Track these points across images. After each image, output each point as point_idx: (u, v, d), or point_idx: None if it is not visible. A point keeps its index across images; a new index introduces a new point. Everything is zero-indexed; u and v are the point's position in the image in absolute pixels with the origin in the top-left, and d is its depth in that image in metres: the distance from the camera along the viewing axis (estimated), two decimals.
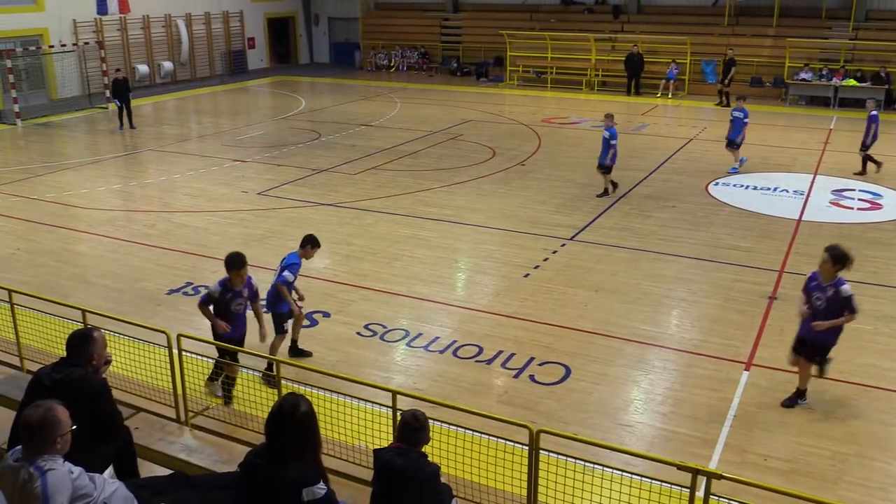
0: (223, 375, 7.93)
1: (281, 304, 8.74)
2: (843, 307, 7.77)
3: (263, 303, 8.55)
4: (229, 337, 7.87)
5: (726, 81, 26.44)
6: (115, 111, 23.58)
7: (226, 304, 7.96)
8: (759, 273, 11.81)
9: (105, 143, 21.63)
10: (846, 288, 7.76)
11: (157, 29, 31.71)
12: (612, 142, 15.53)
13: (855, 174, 17.52)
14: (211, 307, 8.00)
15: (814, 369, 8.15)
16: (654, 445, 7.51)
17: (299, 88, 31.61)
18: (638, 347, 9.59)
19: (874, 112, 17.02)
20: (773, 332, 9.87)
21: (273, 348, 8.72)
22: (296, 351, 9.17)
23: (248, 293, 8.10)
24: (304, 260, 8.90)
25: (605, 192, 15.90)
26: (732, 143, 17.71)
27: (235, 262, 7.89)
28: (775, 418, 7.97)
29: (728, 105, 26.09)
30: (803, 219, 14.46)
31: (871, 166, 17.52)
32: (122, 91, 22.84)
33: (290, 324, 8.98)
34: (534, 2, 34.26)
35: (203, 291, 8.34)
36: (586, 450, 6.03)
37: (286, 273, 8.69)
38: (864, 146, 17.23)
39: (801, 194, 16.03)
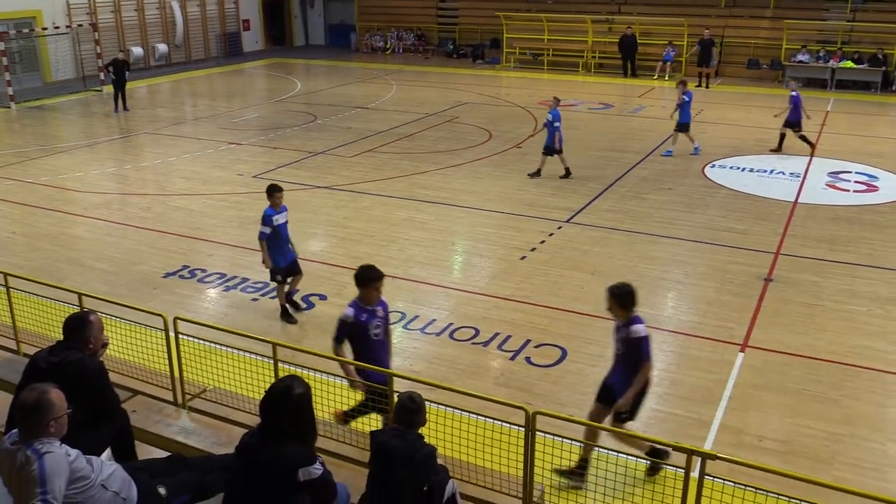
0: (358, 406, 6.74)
1: (271, 254, 9.48)
2: (636, 351, 6.43)
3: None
4: (378, 377, 6.43)
5: (712, 63, 26.59)
6: (111, 94, 23.46)
7: (363, 331, 6.69)
8: (754, 255, 11.83)
9: (100, 126, 21.53)
10: (638, 328, 6.40)
11: (151, 11, 31.49)
12: (556, 124, 15.58)
13: (771, 150, 17.96)
14: (345, 344, 6.71)
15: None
16: (650, 427, 7.55)
17: (295, 71, 31.45)
18: None
19: (795, 92, 17.54)
20: (769, 313, 9.91)
21: (279, 297, 9.81)
22: (285, 314, 9.81)
23: (383, 312, 6.84)
24: (275, 210, 9.56)
25: (538, 173, 15.91)
26: (685, 127, 17.73)
27: (372, 276, 6.68)
28: (771, 399, 8.01)
29: (708, 87, 26.25)
30: (799, 201, 14.47)
31: (802, 145, 17.74)
32: (120, 72, 22.72)
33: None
34: None
35: (335, 325, 6.79)
36: (582, 431, 6.06)
37: (260, 228, 9.50)
38: (790, 124, 17.62)
39: (798, 176, 16.03)
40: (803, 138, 17.64)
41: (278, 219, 9.58)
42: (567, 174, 15.84)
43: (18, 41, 26.52)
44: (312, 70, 31.91)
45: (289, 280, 9.89)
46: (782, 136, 17.90)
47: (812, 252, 11.99)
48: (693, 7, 30.07)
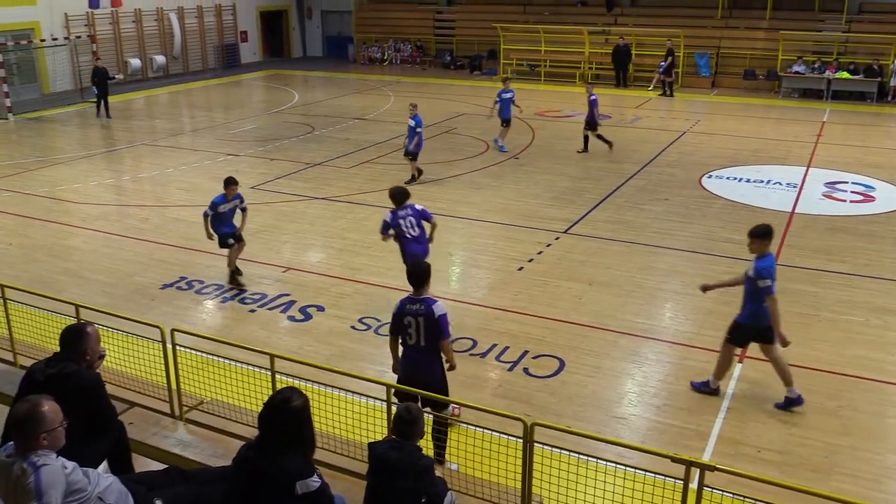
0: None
1: (217, 228, 11.10)
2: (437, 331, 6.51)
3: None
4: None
5: (672, 72, 27.34)
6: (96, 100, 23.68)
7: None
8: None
9: (97, 138, 21.54)
10: (438, 306, 6.55)
11: (149, 22, 31.57)
12: (418, 129, 16.22)
13: (578, 152, 18.93)
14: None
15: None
16: (648, 438, 7.54)
17: (292, 82, 31.51)
18: (632, 340, 9.61)
19: (593, 96, 18.55)
20: None
21: (230, 261, 11.26)
22: (232, 279, 11.27)
23: (412, 211, 10.01)
24: (225, 199, 11.07)
25: (413, 179, 16.26)
26: (508, 122, 19.12)
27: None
28: (769, 411, 8.00)
29: (672, 95, 27.07)
30: (796, 211, 14.50)
31: (602, 145, 18.68)
32: (102, 79, 23.24)
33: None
34: None
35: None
36: (580, 442, 6.04)
37: (206, 209, 11.05)
38: (589, 126, 18.74)
39: (795, 187, 16.07)
40: (600, 137, 18.70)
41: (223, 207, 11.08)
42: (412, 179, 16.25)
43: (17, 52, 26.56)
44: (310, 81, 31.98)
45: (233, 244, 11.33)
46: (586, 138, 18.93)
47: (809, 262, 12.01)
48: (689, 18, 30.21)
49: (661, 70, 28.24)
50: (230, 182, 11.17)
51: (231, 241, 11.24)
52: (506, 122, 19.11)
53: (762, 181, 16.55)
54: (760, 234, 7.95)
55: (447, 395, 6.73)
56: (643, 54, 29.42)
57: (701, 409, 8.01)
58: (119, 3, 27.32)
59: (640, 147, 19.60)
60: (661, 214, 14.32)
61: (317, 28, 39.76)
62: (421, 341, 6.60)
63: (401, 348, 6.79)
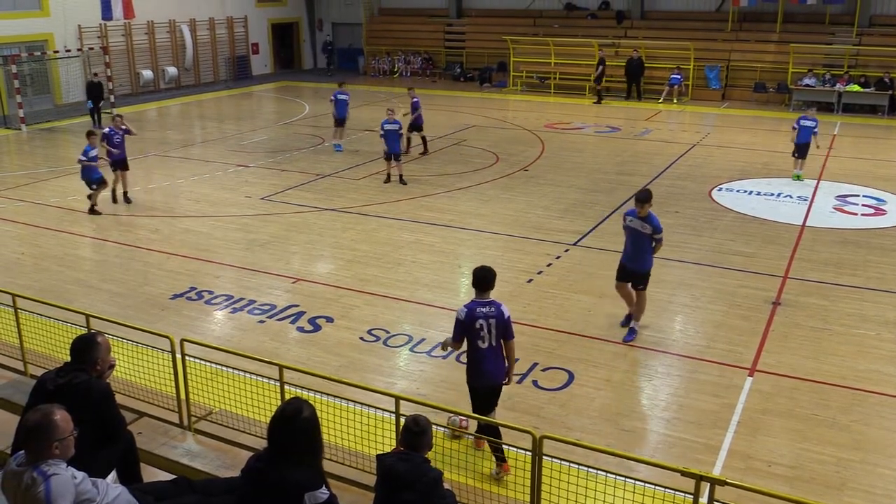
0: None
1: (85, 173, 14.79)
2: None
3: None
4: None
5: (600, 79, 28.46)
6: (119, 115, 23.69)
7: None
8: (762, 279, 11.80)
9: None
10: (506, 308, 6.96)
11: (161, 34, 31.80)
12: (401, 132, 17.61)
13: (420, 154, 20.03)
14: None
15: None
16: (658, 451, 7.50)
17: (303, 94, 31.66)
18: (641, 353, 9.58)
19: (416, 99, 19.86)
20: (777, 337, 9.85)
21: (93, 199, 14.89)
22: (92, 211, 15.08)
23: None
24: (91, 147, 14.65)
25: (401, 180, 17.27)
26: (342, 122, 20.70)
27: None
28: (780, 424, 7.95)
29: (600, 103, 28.29)
30: (807, 224, 14.44)
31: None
32: (97, 93, 23.87)
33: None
34: (537, 7, 34.34)
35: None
36: (589, 455, 6.02)
37: (79, 157, 14.74)
38: (417, 128, 19.86)
39: (805, 200, 16.01)
40: (423, 139, 20.02)
41: (91, 154, 14.74)
42: (389, 179, 17.37)
43: (30, 64, 26.79)
44: (320, 93, 32.08)
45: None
46: (409, 140, 20.07)
47: (820, 276, 11.95)
48: (700, 31, 30.23)
49: (671, 83, 28.28)
50: (90, 134, 15.07)
51: (94, 186, 14.90)
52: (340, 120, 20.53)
53: (773, 194, 16.50)
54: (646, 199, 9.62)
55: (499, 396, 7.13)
56: (652, 67, 29.42)
57: (711, 423, 7.96)
58: (132, 15, 27.49)
59: (651, 159, 19.58)
60: (671, 227, 14.26)
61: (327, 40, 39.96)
62: (493, 342, 6.84)
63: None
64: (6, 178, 18.30)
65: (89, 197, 15.26)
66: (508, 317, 6.90)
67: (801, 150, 17.49)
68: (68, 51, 27.26)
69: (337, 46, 39.58)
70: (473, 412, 6.87)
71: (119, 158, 15.82)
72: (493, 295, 6.94)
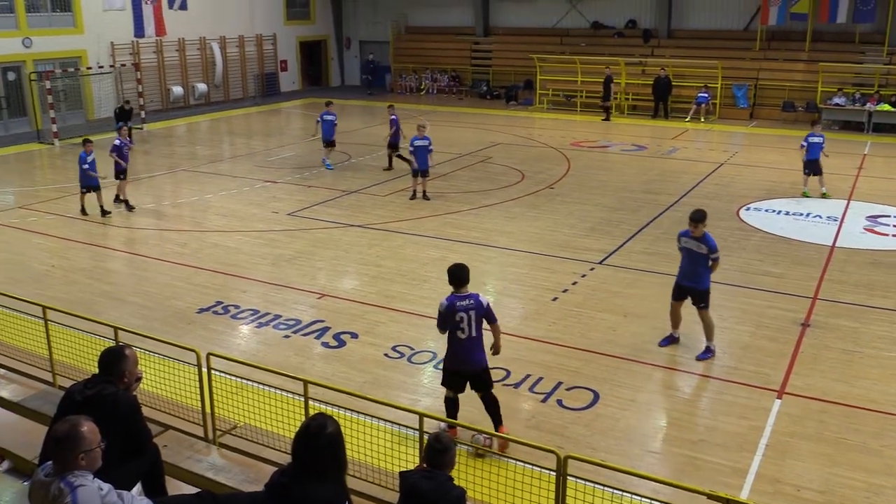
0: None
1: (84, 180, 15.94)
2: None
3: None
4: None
5: (607, 97, 28.73)
6: (149, 131, 24.11)
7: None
8: (791, 300, 11.65)
9: (140, 164, 21.93)
10: (484, 298, 7.74)
11: (191, 51, 32.27)
12: (431, 147, 17.24)
13: (384, 169, 20.27)
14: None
15: None
16: (684, 474, 7.40)
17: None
18: (667, 373, 9.49)
19: (394, 116, 19.80)
20: (806, 359, 9.71)
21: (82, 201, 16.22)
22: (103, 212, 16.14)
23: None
24: (87, 154, 15.87)
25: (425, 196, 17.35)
26: (330, 143, 20.64)
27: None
28: (809, 448, 7.82)
29: (608, 120, 28.52)
30: (837, 245, 14.26)
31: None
32: (126, 119, 23.77)
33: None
34: (564, 25, 34.40)
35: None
36: (614, 477, 5.95)
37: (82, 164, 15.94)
38: (392, 146, 20.07)
39: (835, 220, 15.82)
40: (400, 157, 19.77)
41: (88, 158, 15.85)
42: (415, 196, 17.43)
43: (64, 80, 27.30)
44: (347, 110, 32.33)
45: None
46: (390, 157, 20.27)
47: (850, 297, 11.78)
48: (727, 49, 30.10)
49: (698, 101, 28.15)
50: (86, 142, 16.22)
51: (84, 189, 16.13)
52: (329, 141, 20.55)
53: (801, 214, 16.32)
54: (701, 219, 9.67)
55: (490, 375, 7.81)
56: (680, 85, 29.33)
57: (738, 446, 7.85)
58: (164, 33, 27.95)
59: (677, 178, 19.48)
60: None
61: (355, 58, 40.31)
62: (472, 333, 7.53)
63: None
64: (38, 192, 18.61)
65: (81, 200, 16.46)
66: (488, 304, 7.60)
67: (813, 167, 17.49)
68: (101, 67, 27.75)
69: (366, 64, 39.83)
70: (444, 387, 7.87)
71: (123, 169, 16.91)
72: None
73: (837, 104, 26.80)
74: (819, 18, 28.22)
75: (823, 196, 17.37)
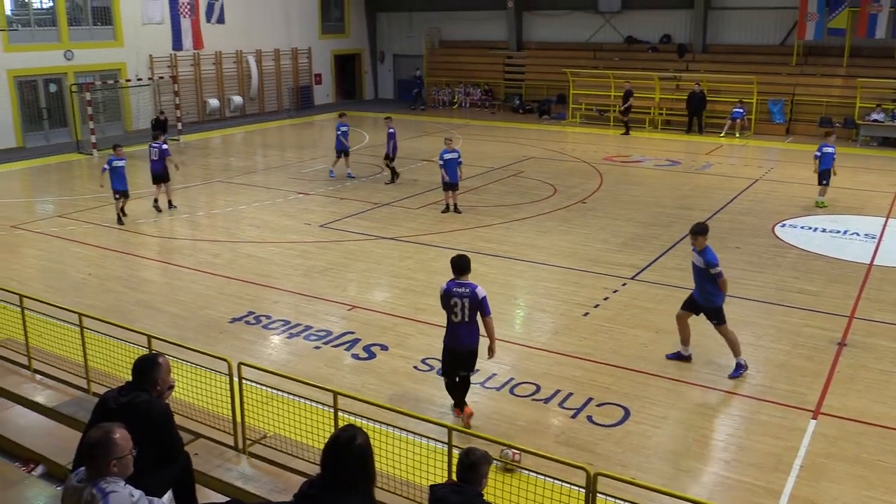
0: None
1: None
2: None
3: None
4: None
5: (623, 110, 28.98)
6: (187, 143, 24.47)
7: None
8: (827, 318, 11.46)
9: (175, 174, 22.23)
10: (480, 289, 8.45)
11: (228, 64, 32.73)
12: (460, 160, 17.30)
13: (386, 183, 20.42)
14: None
15: None
16: (716, 493, 7.29)
17: (363, 123, 32.10)
18: (700, 391, 9.37)
19: (391, 129, 20.08)
20: (843, 379, 9.53)
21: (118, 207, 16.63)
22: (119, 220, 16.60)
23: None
24: (117, 157, 16.39)
25: (456, 209, 17.40)
26: (345, 153, 21.12)
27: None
28: (845, 470, 7.66)
29: (628, 133, 28.55)
30: (875, 263, 14.00)
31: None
32: (162, 129, 24.50)
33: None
34: (597, 40, 34.34)
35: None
36: (644, 495, 5.89)
37: (105, 167, 16.29)
38: (387, 157, 20.27)
39: (873, 238, 15.54)
40: (392, 169, 20.45)
41: (116, 164, 16.26)
42: (448, 209, 17.43)
43: (103, 92, 27.83)
44: (380, 123, 32.42)
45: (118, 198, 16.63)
46: (392, 171, 20.61)
47: (889, 317, 11.54)
48: (763, 65, 29.81)
49: (733, 116, 27.87)
50: (116, 146, 16.65)
51: (117, 195, 16.47)
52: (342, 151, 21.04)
53: (838, 231, 16.07)
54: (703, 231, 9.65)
55: (476, 360, 8.49)
56: (714, 100, 29.10)
57: (772, 466, 7.72)
58: (201, 46, 28.37)
59: (711, 194, 19.29)
60: (732, 263, 13.97)
61: (388, 71, 40.58)
62: (465, 318, 8.22)
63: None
64: (77, 201, 18.96)
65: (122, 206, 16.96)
66: (483, 297, 8.22)
67: (824, 177, 17.66)
68: (139, 79, 28.23)
69: (398, 77, 40.09)
70: (441, 370, 8.71)
71: (157, 172, 17.64)
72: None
73: (876, 120, 26.39)
74: (857, 33, 27.87)
75: (818, 205, 17.66)
